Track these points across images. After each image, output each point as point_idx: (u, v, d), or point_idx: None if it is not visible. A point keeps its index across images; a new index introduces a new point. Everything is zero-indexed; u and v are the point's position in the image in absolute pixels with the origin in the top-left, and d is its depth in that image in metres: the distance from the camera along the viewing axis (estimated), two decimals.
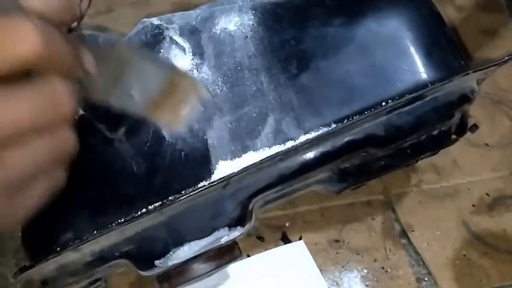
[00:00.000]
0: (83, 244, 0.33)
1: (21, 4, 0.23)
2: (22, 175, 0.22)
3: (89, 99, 0.28)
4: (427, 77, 0.36)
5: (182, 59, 0.36)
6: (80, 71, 0.25)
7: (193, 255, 0.36)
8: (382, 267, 0.48)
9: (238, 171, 0.34)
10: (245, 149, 0.35)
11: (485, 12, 0.66)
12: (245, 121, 0.36)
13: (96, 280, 0.40)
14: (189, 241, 0.36)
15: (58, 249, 0.33)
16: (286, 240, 0.49)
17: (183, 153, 0.35)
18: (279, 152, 0.35)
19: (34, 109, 0.21)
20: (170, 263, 0.36)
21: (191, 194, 0.33)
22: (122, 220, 0.34)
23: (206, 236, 0.36)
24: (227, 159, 0.35)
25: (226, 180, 0.34)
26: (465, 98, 0.38)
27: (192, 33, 0.37)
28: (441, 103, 0.37)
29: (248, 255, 0.48)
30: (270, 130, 0.36)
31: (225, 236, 0.36)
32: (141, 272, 0.37)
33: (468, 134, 0.42)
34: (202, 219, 0.36)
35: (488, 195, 0.52)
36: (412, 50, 0.37)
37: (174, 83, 0.30)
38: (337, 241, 0.49)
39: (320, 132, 0.36)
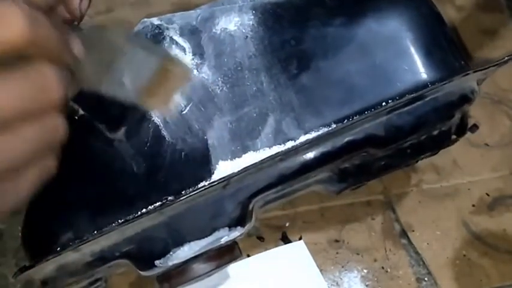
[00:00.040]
0: (83, 244, 0.33)
1: None
2: (11, 162, 0.21)
3: (81, 88, 0.27)
4: (427, 77, 0.36)
5: (182, 59, 0.36)
6: (69, 57, 0.24)
7: (193, 255, 0.36)
8: (382, 267, 0.48)
9: (239, 171, 0.34)
10: (245, 149, 0.35)
11: (485, 12, 0.66)
12: (245, 121, 0.36)
13: (96, 280, 0.40)
14: (189, 241, 0.36)
15: (58, 249, 0.33)
16: (286, 240, 0.49)
17: (183, 153, 0.35)
18: (279, 152, 0.35)
19: (22, 95, 0.21)
20: (170, 263, 0.36)
21: (191, 194, 0.33)
22: (122, 220, 0.34)
23: (206, 236, 0.36)
24: (227, 159, 0.35)
25: (227, 180, 0.34)
26: (465, 98, 0.38)
27: (192, 33, 0.37)
28: (441, 103, 0.37)
29: (248, 255, 0.48)
30: (270, 130, 0.36)
31: (225, 236, 0.36)
32: (141, 272, 0.37)
33: (468, 134, 0.42)
34: (203, 219, 0.36)
35: (488, 195, 0.52)
36: (412, 50, 0.37)
37: (166, 70, 0.29)
38: (337, 241, 0.49)
39: (320, 132, 0.36)
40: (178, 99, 0.29)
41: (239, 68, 0.36)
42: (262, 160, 0.35)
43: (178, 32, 0.37)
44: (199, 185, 0.35)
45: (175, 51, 0.37)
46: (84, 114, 0.35)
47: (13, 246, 0.48)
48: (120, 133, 0.35)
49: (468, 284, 0.47)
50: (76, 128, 0.35)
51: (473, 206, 0.52)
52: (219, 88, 0.36)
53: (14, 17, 0.20)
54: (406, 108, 0.37)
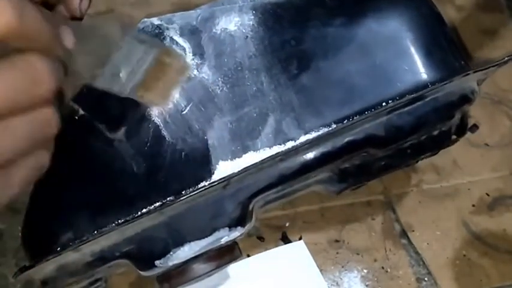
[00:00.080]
0: (83, 244, 0.33)
1: None
2: (2, 156, 0.21)
3: (81, 87, 0.27)
4: (427, 77, 0.36)
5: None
6: (59, 49, 0.24)
7: (193, 256, 0.36)
8: (382, 267, 0.48)
9: (239, 171, 0.34)
10: (245, 149, 0.35)
11: (485, 12, 0.66)
12: (245, 121, 0.36)
13: (96, 280, 0.40)
14: (190, 241, 0.36)
15: (58, 249, 0.33)
16: (286, 240, 0.49)
17: (183, 153, 0.35)
18: (279, 152, 0.35)
19: (12, 86, 0.20)
20: (170, 263, 0.36)
21: (191, 194, 0.33)
22: (122, 220, 0.34)
23: (206, 236, 0.36)
24: (227, 160, 0.35)
25: (227, 180, 0.34)
26: (465, 99, 0.38)
27: (193, 33, 0.37)
28: (441, 103, 0.37)
29: (248, 255, 0.48)
30: (270, 130, 0.36)
31: (225, 236, 0.36)
32: (141, 272, 0.37)
33: (468, 134, 0.42)
34: (203, 220, 0.36)
35: (488, 195, 0.52)
36: (412, 50, 0.37)
37: (163, 63, 0.29)
38: (337, 241, 0.49)
39: (320, 132, 0.36)
40: (175, 93, 0.29)
41: (239, 68, 0.36)
42: (262, 160, 0.35)
43: (178, 32, 0.37)
44: (200, 185, 0.35)
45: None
46: (84, 114, 0.35)
47: (13, 246, 0.48)
48: (120, 133, 0.35)
49: (468, 284, 0.47)
50: (76, 128, 0.35)
51: (473, 206, 0.52)
52: (219, 88, 0.36)
53: (1, 7, 0.19)
54: (406, 109, 0.37)
